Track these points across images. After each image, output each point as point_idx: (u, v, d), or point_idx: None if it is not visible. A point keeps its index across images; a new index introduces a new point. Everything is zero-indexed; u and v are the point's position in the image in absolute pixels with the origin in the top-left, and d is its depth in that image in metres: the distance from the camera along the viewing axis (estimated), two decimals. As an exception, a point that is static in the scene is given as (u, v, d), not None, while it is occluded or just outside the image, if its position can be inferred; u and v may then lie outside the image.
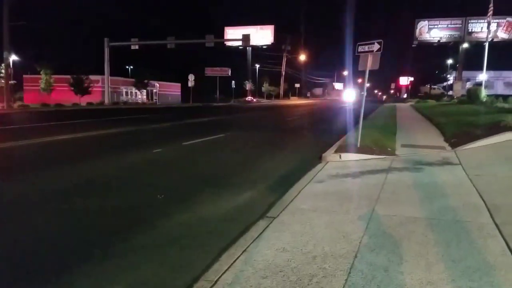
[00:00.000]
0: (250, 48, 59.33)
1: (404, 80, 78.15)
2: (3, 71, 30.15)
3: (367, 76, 9.44)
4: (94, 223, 4.57)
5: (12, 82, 31.85)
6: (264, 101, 66.67)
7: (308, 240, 3.72)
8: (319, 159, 8.25)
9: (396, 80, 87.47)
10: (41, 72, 39.56)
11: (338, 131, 13.11)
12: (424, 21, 52.48)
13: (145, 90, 53.64)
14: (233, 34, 54.80)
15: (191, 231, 4.29)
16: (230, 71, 61.07)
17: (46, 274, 3.27)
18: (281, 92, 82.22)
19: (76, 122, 18.41)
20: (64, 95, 39.70)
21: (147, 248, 3.83)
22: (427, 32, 52.45)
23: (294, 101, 74.09)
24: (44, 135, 11.84)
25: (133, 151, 9.66)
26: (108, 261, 3.55)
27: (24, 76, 47.52)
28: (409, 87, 77.64)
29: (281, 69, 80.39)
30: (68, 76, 39.87)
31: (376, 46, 8.96)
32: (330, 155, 8.31)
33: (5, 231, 4.27)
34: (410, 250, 3.45)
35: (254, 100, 64.05)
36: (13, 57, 32.49)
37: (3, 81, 30.38)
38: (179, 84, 64.62)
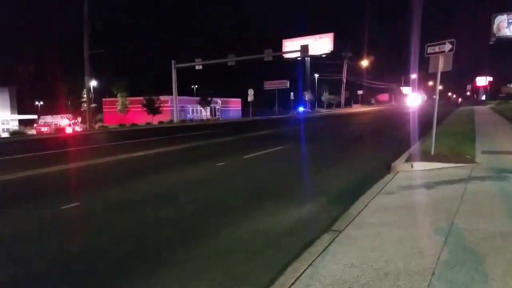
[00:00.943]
0: (309, 58, 59.00)
1: (482, 81, 71.94)
2: (85, 95, 33.51)
3: (438, 78, 8.86)
4: (161, 232, 4.81)
5: (93, 105, 35.23)
6: (324, 111, 65.61)
7: (379, 256, 3.53)
8: (387, 169, 7.86)
9: (472, 81, 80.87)
10: (117, 95, 43.38)
11: (408, 139, 12.39)
12: (503, 15, 48.01)
13: (208, 107, 55.95)
14: (291, 46, 55.00)
15: (254, 243, 4.32)
16: (288, 83, 61.19)
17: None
18: (342, 100, 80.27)
19: (149, 140, 19.70)
20: (138, 115, 42.97)
21: (211, 258, 3.93)
22: (506, 27, 47.90)
23: (357, 109, 71.80)
24: (122, 152, 12.87)
25: (199, 165, 10.07)
26: (174, 269, 3.71)
27: (103, 99, 52.43)
28: (488, 88, 71.22)
29: (342, 76, 78.67)
30: (141, 98, 43.17)
31: (447, 46, 8.41)
32: (401, 165, 7.87)
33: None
34: (496, 268, 3.11)
35: (311, 110, 63.54)
36: (93, 82, 36.01)
37: (85, 105, 33.73)
38: (240, 99, 66.36)
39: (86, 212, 5.88)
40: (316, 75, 72.41)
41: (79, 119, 39.02)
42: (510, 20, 47.72)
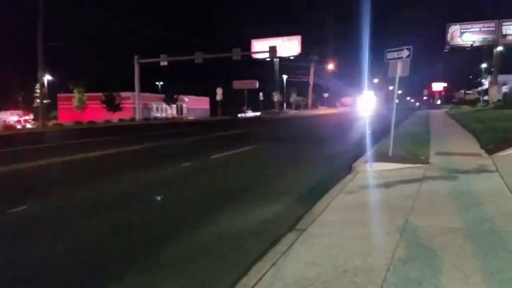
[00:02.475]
0: (278, 60, 59.68)
1: (437, 86, 75.95)
2: (38, 90, 31.88)
3: (397, 83, 9.30)
4: (123, 236, 4.73)
5: (46, 101, 33.59)
6: (292, 112, 66.56)
7: (339, 253, 3.69)
8: (349, 169, 8.15)
9: (429, 86, 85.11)
10: (74, 91, 41.53)
11: (369, 140, 12.90)
12: (456, 25, 51.01)
13: (174, 105, 55.07)
14: (260, 47, 55.36)
15: (219, 244, 4.36)
16: (257, 83, 61.59)
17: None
18: (309, 102, 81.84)
19: (108, 139, 19.12)
20: (97, 112, 41.38)
21: (176, 261, 3.92)
22: (459, 37, 50.92)
23: (323, 111, 73.48)
24: (78, 152, 12.37)
25: (163, 165, 9.93)
26: (136, 276, 3.65)
27: (58, 95, 49.93)
28: (443, 93, 75.31)
29: (309, 79, 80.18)
30: (100, 94, 41.61)
31: (405, 53, 8.83)
32: (361, 165, 8.19)
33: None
34: (445, 262, 3.35)
35: (279, 111, 64.19)
36: (47, 77, 34.32)
37: (38, 100, 32.09)
38: (208, 98, 65.90)
39: (35, 216, 5.61)
40: (285, 77, 73.28)
41: (31, 116, 37.01)
42: (462, 30, 50.74)
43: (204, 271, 3.71)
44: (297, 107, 79.34)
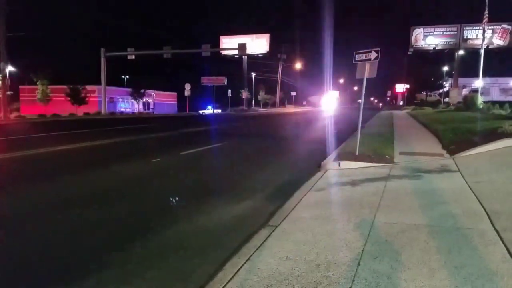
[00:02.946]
0: (246, 57, 59.70)
1: (400, 88, 78.73)
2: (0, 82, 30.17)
3: (364, 84, 9.55)
4: (93, 232, 4.58)
5: (9, 93, 31.82)
6: (260, 110, 66.87)
7: (311, 249, 3.75)
8: (318, 167, 8.30)
9: (392, 88, 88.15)
10: (37, 83, 39.59)
11: (336, 139, 13.20)
12: (419, 28, 53.07)
13: (141, 100, 53.80)
14: (229, 43, 55.11)
15: (191, 240, 4.32)
16: (226, 80, 61.35)
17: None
18: (277, 100, 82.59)
19: (73, 132, 18.39)
20: (61, 105, 39.72)
21: (149, 258, 3.85)
22: (422, 40, 53.01)
23: (290, 109, 74.38)
24: (41, 146, 11.81)
25: (131, 161, 9.67)
26: (111, 270, 3.57)
27: (21, 86, 47.51)
28: (405, 94, 78.29)
29: (277, 77, 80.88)
30: (65, 86, 40.00)
31: (373, 55, 9.09)
32: (329, 163, 8.36)
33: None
34: (412, 257, 3.49)
35: (247, 108, 64.34)
36: (10, 68, 32.52)
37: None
38: (175, 94, 64.93)
39: None
40: (253, 74, 73.40)
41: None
42: (425, 33, 52.90)
43: (180, 265, 3.66)
44: (265, 105, 79.79)
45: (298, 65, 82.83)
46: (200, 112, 52.26)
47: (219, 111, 57.63)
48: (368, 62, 9.17)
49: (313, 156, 10.21)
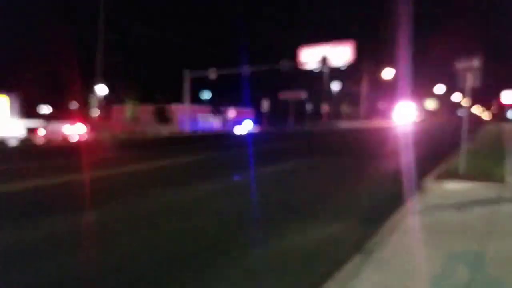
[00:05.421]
0: (327, 69, 59.30)
1: (508, 97, 70.82)
2: (94, 103, 34.26)
3: (468, 94, 8.94)
4: (180, 246, 4.94)
5: (102, 112, 35.88)
6: (343, 124, 65.51)
7: (411, 278, 3.61)
8: (416, 188, 7.89)
9: (497, 98, 79.82)
10: (127, 103, 44.26)
11: (434, 157, 12.42)
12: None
13: (220, 117, 56.55)
14: (308, 54, 55.20)
15: (277, 262, 4.41)
16: (304, 94, 61.22)
17: None
18: (362, 113, 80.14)
19: (160, 150, 19.98)
20: (148, 123, 43.67)
21: (234, 278, 4.01)
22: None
23: (378, 122, 71.51)
24: (136, 162, 13.19)
25: (216, 178, 10.21)
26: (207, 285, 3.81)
27: (112, 107, 53.32)
28: (516, 105, 70.08)
29: (361, 88, 78.72)
30: (151, 106, 44.01)
31: (475, 63, 8.53)
32: (429, 183, 7.90)
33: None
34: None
35: (328, 122, 63.41)
36: (103, 90, 36.80)
37: (94, 112, 34.45)
38: (253, 110, 66.93)
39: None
40: (335, 86, 72.40)
41: (88, 127, 39.70)
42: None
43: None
44: (348, 118, 77.94)
45: (386, 75, 79.70)
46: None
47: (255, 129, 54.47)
48: (470, 71, 8.60)
49: (408, 175, 9.74)
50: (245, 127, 51.35)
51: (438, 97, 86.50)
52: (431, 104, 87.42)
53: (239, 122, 60.74)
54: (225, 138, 32.30)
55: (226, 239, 5.27)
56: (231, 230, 5.74)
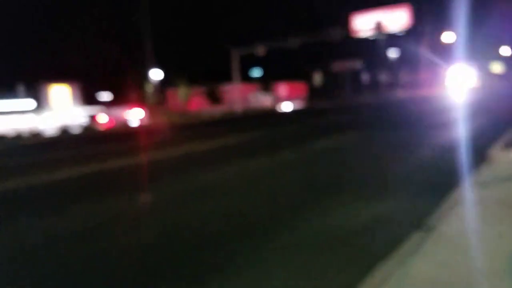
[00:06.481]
0: (383, 35, 56.29)
1: None
2: (150, 88, 35.75)
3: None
4: (231, 220, 5.14)
5: (158, 97, 37.40)
6: (403, 93, 62.46)
7: (476, 255, 3.42)
8: (481, 158, 7.38)
9: None
10: (179, 86, 45.73)
11: (500, 125, 11.50)
12: None
13: (270, 94, 56.40)
14: (361, 21, 52.73)
15: (332, 238, 4.37)
16: (359, 64, 58.73)
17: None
18: (424, 81, 75.68)
19: (222, 129, 20.54)
20: (201, 104, 44.92)
21: (287, 252, 4.08)
22: None
23: (440, 90, 67.25)
24: (189, 143, 13.69)
25: (266, 155, 10.33)
26: (255, 261, 3.91)
27: (166, 90, 55.40)
28: None
29: (421, 54, 74.07)
30: (202, 87, 45.07)
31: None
32: (497, 153, 7.34)
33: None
34: None
35: (387, 93, 60.69)
36: (157, 74, 38.24)
37: (150, 97, 36.00)
38: (305, 84, 65.70)
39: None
40: (392, 53, 68.81)
41: (145, 111, 41.67)
42: None
43: (321, 268, 3.78)
44: (408, 87, 74.00)
45: (447, 38, 74.19)
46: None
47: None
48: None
49: (470, 145, 9.16)
50: (296, 103, 50.92)
51: (505, 59, 79.09)
52: (497, 68, 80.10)
53: (290, 98, 60.37)
54: (276, 116, 32.28)
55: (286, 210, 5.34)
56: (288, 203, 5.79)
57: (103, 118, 34.94)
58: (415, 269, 3.29)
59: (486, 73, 64.43)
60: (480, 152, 7.67)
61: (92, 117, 35.82)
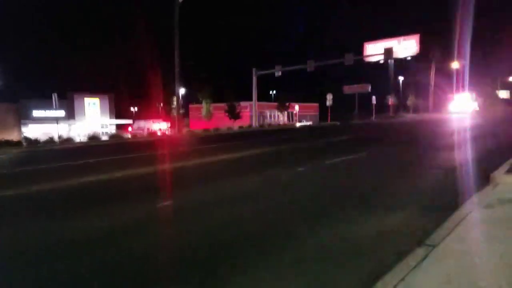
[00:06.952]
0: (393, 61, 56.00)
1: None
2: (175, 102, 36.19)
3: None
4: (243, 231, 5.02)
5: (181, 111, 37.83)
6: (410, 116, 61.54)
7: (478, 273, 3.28)
8: (485, 180, 7.16)
9: None
10: (202, 102, 46.34)
11: (503, 149, 11.19)
12: None
13: (286, 112, 56.46)
14: (373, 49, 52.80)
15: (337, 250, 4.27)
16: (369, 87, 58.48)
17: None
18: (430, 105, 74.48)
19: (237, 143, 20.48)
20: (220, 120, 45.18)
21: (291, 265, 3.95)
22: None
23: (447, 114, 66.04)
24: (208, 155, 13.79)
25: (279, 169, 10.23)
26: (257, 275, 3.77)
27: (190, 105, 56.13)
28: None
29: (430, 79, 73.16)
30: (223, 104, 45.48)
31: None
32: (501, 176, 7.11)
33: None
34: None
35: (394, 115, 59.95)
36: (182, 90, 38.72)
37: (174, 110, 36.43)
38: (317, 104, 65.56)
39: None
40: (401, 78, 68.32)
41: (169, 124, 42.24)
42: None
43: (323, 277, 3.68)
44: (416, 110, 72.94)
45: (454, 65, 73.22)
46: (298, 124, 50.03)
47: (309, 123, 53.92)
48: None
49: (475, 167, 8.90)
50: (309, 121, 50.84)
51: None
52: (503, 93, 78.17)
53: (303, 116, 60.40)
54: (291, 131, 32.21)
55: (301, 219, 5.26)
56: (298, 216, 5.70)
57: (132, 128, 35.55)
58: (417, 285, 3.18)
59: (492, 99, 63.04)
60: (484, 174, 7.45)
61: (122, 127, 36.41)
